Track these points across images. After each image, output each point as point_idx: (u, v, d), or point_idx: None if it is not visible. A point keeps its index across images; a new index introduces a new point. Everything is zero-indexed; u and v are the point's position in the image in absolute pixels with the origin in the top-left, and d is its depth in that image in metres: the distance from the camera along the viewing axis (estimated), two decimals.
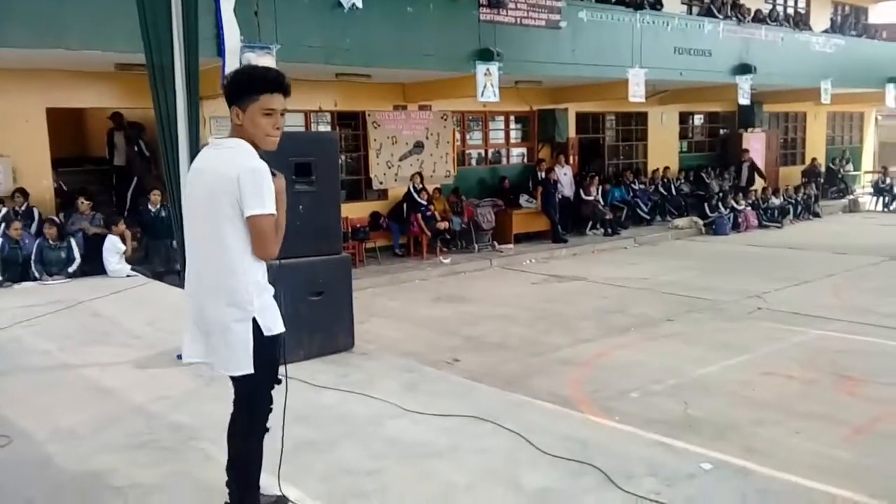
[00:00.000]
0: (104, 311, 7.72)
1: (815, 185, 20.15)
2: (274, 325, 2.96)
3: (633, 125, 18.54)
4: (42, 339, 6.61)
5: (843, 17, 22.75)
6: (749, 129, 19.83)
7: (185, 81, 5.51)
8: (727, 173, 18.90)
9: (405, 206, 13.07)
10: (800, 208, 18.41)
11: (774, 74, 16.58)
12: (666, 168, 18.12)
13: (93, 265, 9.70)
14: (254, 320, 2.89)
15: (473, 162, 15.65)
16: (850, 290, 10.11)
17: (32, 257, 9.38)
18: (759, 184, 19.08)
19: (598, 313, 8.96)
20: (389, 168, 13.62)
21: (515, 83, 13.88)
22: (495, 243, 13.87)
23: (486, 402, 4.91)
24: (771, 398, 5.88)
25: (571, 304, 9.51)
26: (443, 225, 13.04)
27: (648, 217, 16.72)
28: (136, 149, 12.10)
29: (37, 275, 9.36)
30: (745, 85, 15.88)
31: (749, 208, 16.99)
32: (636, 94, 13.94)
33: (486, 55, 11.60)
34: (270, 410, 3.09)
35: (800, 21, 19.52)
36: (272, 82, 2.87)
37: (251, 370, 2.91)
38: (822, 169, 22.14)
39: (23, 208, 9.87)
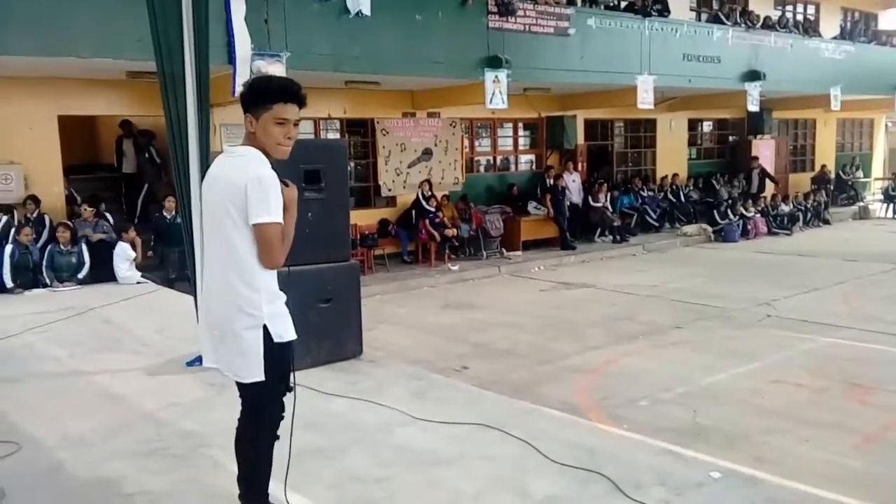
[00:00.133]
0: (115, 318, 7.76)
1: (825, 191, 20.09)
2: (285, 332, 2.97)
3: (642, 132, 18.51)
4: (53, 346, 6.65)
5: (853, 23, 22.67)
6: (758, 136, 19.78)
7: (195, 89, 5.54)
8: (736, 180, 18.85)
9: (414, 213, 13.09)
10: (809, 215, 18.34)
11: (784, 81, 16.55)
12: (675, 175, 18.08)
13: (100, 272, 9.74)
14: (264, 327, 2.91)
15: (482, 169, 15.66)
16: (860, 298, 10.06)
17: (44, 263, 9.45)
18: (770, 189, 19.03)
19: (606, 320, 8.94)
20: (398, 175, 13.65)
21: (524, 90, 13.89)
22: (503, 250, 13.87)
23: (494, 409, 4.91)
24: (780, 406, 5.85)
25: (580, 312, 9.50)
26: (451, 232, 13.05)
27: (657, 224, 16.68)
28: (147, 156, 12.17)
29: (47, 281, 9.42)
30: (754, 92, 15.85)
31: (758, 215, 16.94)
32: (645, 100, 13.93)
33: (494, 62, 11.63)
34: (282, 418, 3.09)
35: (809, 27, 19.50)
36: (287, 92, 2.89)
37: (262, 377, 2.92)
38: (832, 176, 22.04)
39: (34, 215, 9.93)
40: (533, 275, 12.59)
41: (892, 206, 20.52)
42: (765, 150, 19.86)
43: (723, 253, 14.68)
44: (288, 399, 3.13)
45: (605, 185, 15.87)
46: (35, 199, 10.00)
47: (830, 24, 21.51)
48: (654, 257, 14.31)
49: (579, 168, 16.15)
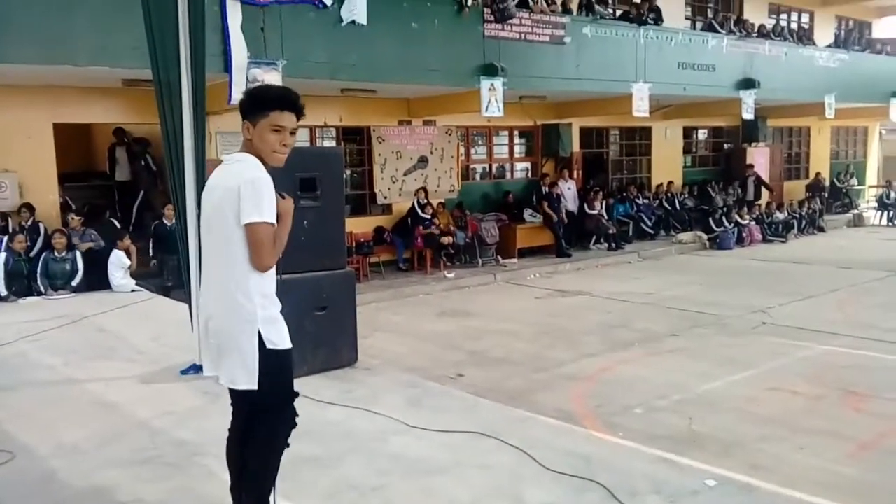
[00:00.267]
0: (109, 326, 7.74)
1: (820, 199, 20.16)
2: (279, 339, 2.96)
3: (637, 140, 18.56)
4: (47, 354, 6.63)
5: (847, 31, 22.81)
6: (753, 144, 19.84)
7: (191, 97, 5.56)
8: (731, 188, 18.91)
9: (409, 220, 13.09)
10: (804, 223, 18.38)
11: (778, 89, 16.61)
12: (670, 182, 18.12)
13: (94, 280, 9.73)
14: (259, 334, 2.91)
15: (477, 176, 15.68)
16: (855, 305, 10.09)
17: (38, 270, 9.43)
18: (765, 197, 19.09)
19: (602, 328, 8.95)
20: (394, 183, 13.66)
21: (520, 98, 13.93)
22: (499, 258, 13.87)
23: (489, 417, 4.91)
24: (776, 414, 5.85)
25: (575, 319, 9.50)
26: (447, 239, 13.05)
27: (652, 231, 16.71)
28: (143, 163, 12.17)
29: (42, 289, 9.40)
30: (748, 100, 15.91)
31: (753, 223, 16.98)
32: (640, 108, 13.98)
33: (490, 70, 11.66)
34: (294, 425, 3.07)
35: (803, 36, 19.61)
36: (284, 100, 2.93)
37: (255, 386, 2.92)
38: (827, 183, 22.12)
39: (29, 223, 9.92)
40: (528, 282, 12.59)
41: (886, 213, 20.59)
42: (760, 158, 19.93)
43: (718, 260, 14.71)
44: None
45: (601, 192, 15.90)
46: (30, 207, 9.99)
47: (825, 33, 21.64)
48: (650, 265, 14.33)
49: (575, 176, 16.18)
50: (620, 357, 7.67)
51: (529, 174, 16.30)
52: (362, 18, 10.06)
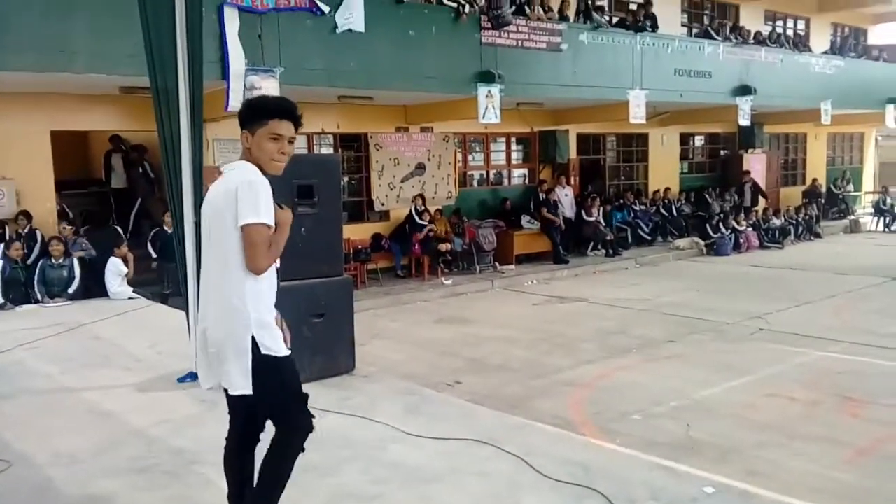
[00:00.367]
0: (106, 334, 7.72)
1: (816, 205, 20.19)
2: (274, 344, 2.96)
3: (634, 146, 18.60)
4: (44, 362, 6.61)
5: (843, 38, 22.90)
6: (750, 150, 19.90)
7: (189, 104, 5.56)
8: (728, 194, 18.95)
9: (407, 227, 13.10)
10: (801, 229, 18.42)
11: (775, 96, 16.68)
12: (667, 189, 18.16)
13: (88, 287, 9.71)
14: (253, 339, 2.90)
15: (475, 183, 15.70)
16: (852, 311, 10.11)
17: (35, 277, 9.41)
18: (761, 204, 19.14)
19: (599, 335, 8.95)
20: (391, 189, 13.67)
21: (517, 105, 13.96)
22: (497, 264, 13.88)
23: (487, 425, 4.90)
24: (773, 420, 5.86)
25: (573, 326, 9.50)
26: (444, 246, 13.05)
27: (650, 238, 16.74)
28: (140, 170, 12.16)
29: (38, 296, 9.38)
30: (745, 106, 15.96)
31: (750, 229, 17.01)
32: (637, 115, 14.01)
33: (487, 77, 11.69)
34: (310, 430, 3.05)
35: (799, 43, 19.66)
36: (282, 109, 2.98)
37: (249, 390, 2.92)
38: (823, 189, 22.17)
39: (26, 231, 9.90)
40: (526, 289, 12.60)
41: (882, 219, 20.64)
42: (756, 164, 19.98)
43: (715, 266, 14.73)
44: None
45: (598, 199, 15.92)
46: (27, 215, 9.97)
47: (821, 39, 21.73)
48: (647, 271, 14.35)
49: (572, 182, 16.21)
50: (618, 364, 7.68)
51: (527, 181, 16.33)
52: (360, 26, 10.09)
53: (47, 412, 5.30)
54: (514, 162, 16.30)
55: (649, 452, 4.59)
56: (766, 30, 19.51)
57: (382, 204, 13.64)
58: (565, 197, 15.44)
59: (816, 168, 23.27)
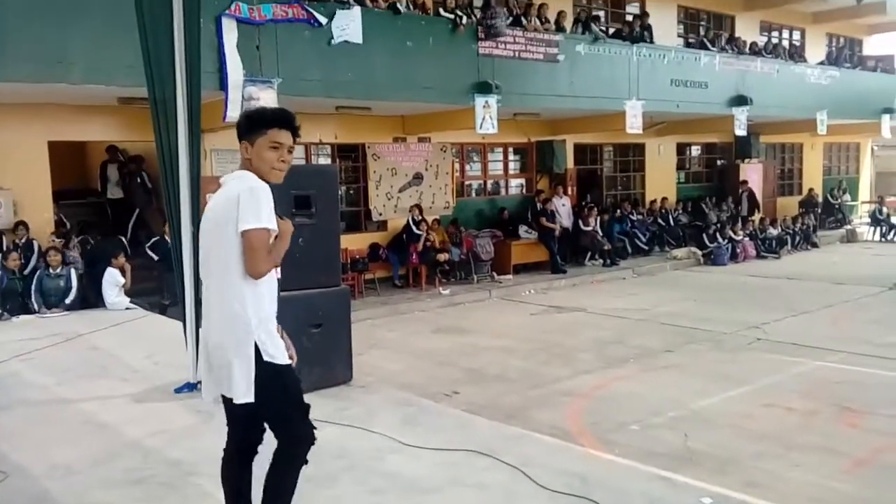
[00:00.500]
0: (103, 345, 7.71)
1: (813, 215, 20.23)
2: (276, 352, 2.96)
3: (631, 156, 18.65)
4: (40, 373, 6.59)
5: (839, 49, 23.01)
6: (746, 160, 19.95)
7: (186, 115, 5.57)
8: (725, 204, 18.99)
9: (405, 237, 13.10)
10: (798, 238, 18.45)
11: (770, 106, 16.74)
12: (664, 199, 18.20)
13: (85, 297, 9.69)
14: (256, 346, 2.90)
15: (472, 193, 15.72)
16: (849, 321, 10.12)
17: (32, 287, 9.39)
18: (757, 213, 19.19)
19: (597, 344, 8.95)
20: (389, 199, 13.69)
21: (514, 115, 14.00)
22: (494, 274, 13.88)
23: (484, 435, 4.89)
24: (771, 430, 5.86)
25: (571, 336, 9.50)
26: (442, 256, 13.06)
27: (647, 247, 16.76)
28: (139, 181, 12.15)
29: (35, 306, 9.36)
30: (741, 116, 16.03)
31: (747, 239, 17.04)
32: (633, 125, 14.06)
33: (484, 88, 11.73)
34: (312, 442, 3.04)
35: (795, 53, 19.76)
36: (281, 119, 3.02)
37: (251, 398, 2.90)
38: (820, 199, 22.23)
39: (23, 241, 9.89)
40: (524, 298, 12.60)
41: (879, 229, 20.67)
42: (752, 174, 20.04)
43: (712, 276, 14.75)
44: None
45: (595, 209, 15.95)
46: (24, 225, 9.96)
47: (816, 50, 21.82)
48: (644, 281, 14.36)
49: (569, 192, 16.23)
50: (616, 374, 7.67)
51: (524, 190, 16.35)
52: (357, 38, 10.12)
53: (44, 423, 5.28)
54: (511, 172, 16.33)
55: (647, 463, 4.58)
56: (761, 40, 19.60)
57: (380, 214, 13.65)
58: (562, 207, 15.46)
59: (813, 178, 23.34)
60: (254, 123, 3.00)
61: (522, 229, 14.84)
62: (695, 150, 20.50)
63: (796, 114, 17.81)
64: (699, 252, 16.40)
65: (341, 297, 6.15)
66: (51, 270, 9.50)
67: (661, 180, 18.98)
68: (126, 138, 11.45)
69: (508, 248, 14.34)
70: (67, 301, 9.53)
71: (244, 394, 2.91)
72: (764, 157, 20.82)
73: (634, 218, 16.93)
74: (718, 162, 20.84)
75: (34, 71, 8.04)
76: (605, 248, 15.35)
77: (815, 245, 18.87)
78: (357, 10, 10.24)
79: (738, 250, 16.56)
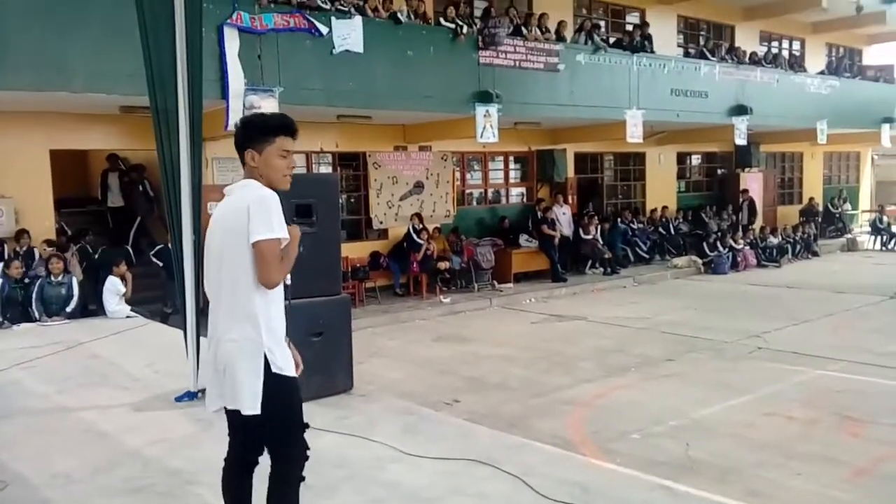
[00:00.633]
0: (103, 353, 7.70)
1: (814, 224, 20.25)
2: (285, 365, 2.94)
3: (632, 165, 18.68)
4: (40, 382, 6.58)
5: (838, 58, 23.07)
6: (746, 169, 19.99)
7: (188, 123, 5.58)
8: (725, 213, 19.01)
9: (405, 245, 13.10)
10: (798, 247, 18.45)
11: (771, 115, 16.78)
12: (664, 207, 18.22)
13: (89, 306, 9.68)
14: (265, 357, 2.88)
15: (473, 202, 15.74)
16: (850, 330, 10.11)
17: (34, 295, 9.39)
18: (758, 221, 19.20)
19: (598, 353, 8.94)
20: (390, 208, 13.70)
21: (514, 124, 14.03)
22: (495, 282, 13.87)
23: (485, 444, 4.88)
24: (772, 439, 5.85)
25: (571, 344, 9.49)
26: (443, 265, 13.06)
27: (647, 256, 16.77)
28: (140, 189, 12.17)
29: (36, 314, 9.36)
30: (741, 126, 16.06)
31: (748, 247, 17.04)
32: (634, 134, 14.09)
33: (485, 97, 11.77)
34: (307, 458, 3.02)
35: (795, 63, 19.82)
36: (287, 126, 3.01)
37: (258, 410, 2.87)
38: (820, 208, 22.25)
39: (24, 249, 9.89)
40: (524, 307, 12.59)
41: (879, 238, 20.68)
42: (753, 183, 20.06)
43: (713, 285, 14.74)
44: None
45: (595, 217, 15.96)
46: (26, 233, 9.96)
47: (816, 60, 21.88)
48: (645, 289, 14.35)
49: (569, 201, 16.25)
50: (617, 382, 7.66)
51: (525, 199, 16.37)
52: (358, 47, 10.17)
53: (44, 432, 5.27)
54: (511, 181, 16.35)
55: (649, 472, 4.57)
56: (761, 50, 19.65)
57: (381, 222, 13.66)
58: (563, 216, 15.47)
59: (813, 187, 23.37)
60: (260, 132, 2.97)
61: (523, 238, 14.85)
62: (695, 160, 20.54)
63: (796, 123, 17.86)
64: (700, 261, 16.40)
65: (342, 305, 6.15)
66: (52, 278, 9.49)
67: (662, 189, 19.00)
68: (127, 147, 11.48)
69: (509, 256, 14.34)
70: (68, 309, 9.53)
71: (251, 405, 2.87)
72: (764, 167, 20.87)
73: (635, 226, 16.94)
74: (719, 171, 20.87)
75: (36, 79, 8.07)
76: (606, 256, 15.35)
77: (815, 254, 18.87)
78: (358, 19, 10.30)
79: (739, 259, 16.57)
